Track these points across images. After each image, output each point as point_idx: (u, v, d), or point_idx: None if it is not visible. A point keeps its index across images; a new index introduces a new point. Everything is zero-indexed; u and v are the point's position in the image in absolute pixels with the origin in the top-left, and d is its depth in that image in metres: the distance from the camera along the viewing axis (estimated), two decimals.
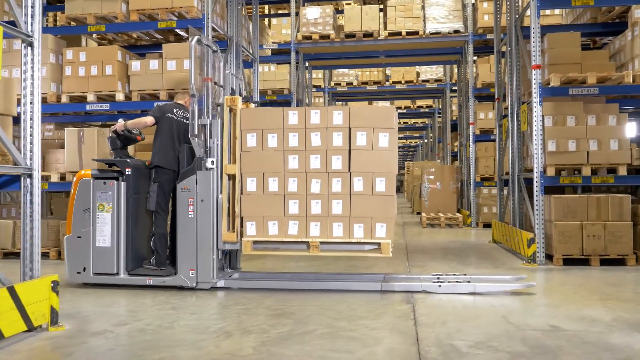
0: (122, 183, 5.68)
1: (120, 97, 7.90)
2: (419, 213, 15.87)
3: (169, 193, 5.83)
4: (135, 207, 5.73)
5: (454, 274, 5.75)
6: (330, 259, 7.39)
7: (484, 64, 13.12)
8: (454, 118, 16.81)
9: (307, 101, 14.35)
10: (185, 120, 5.92)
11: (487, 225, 11.81)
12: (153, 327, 4.22)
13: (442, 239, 10.21)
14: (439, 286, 5.34)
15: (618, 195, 7.07)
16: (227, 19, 9.01)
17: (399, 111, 21.30)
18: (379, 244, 5.19)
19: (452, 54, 13.85)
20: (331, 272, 6.58)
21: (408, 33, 12.18)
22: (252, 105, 5.82)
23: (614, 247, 6.87)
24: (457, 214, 12.83)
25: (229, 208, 5.51)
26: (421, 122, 25.38)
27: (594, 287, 5.63)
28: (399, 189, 36.11)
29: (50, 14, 11.38)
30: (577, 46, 7.73)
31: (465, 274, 5.74)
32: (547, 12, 11.57)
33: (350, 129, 5.29)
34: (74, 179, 5.78)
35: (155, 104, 7.47)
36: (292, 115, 5.39)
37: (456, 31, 12.12)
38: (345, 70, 17.09)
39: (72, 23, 8.34)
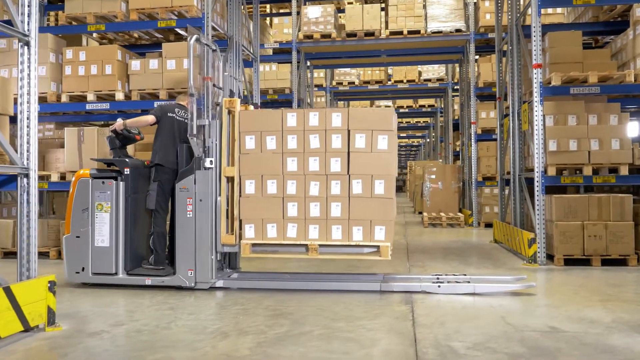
0: (121, 183, 5.66)
1: (120, 96, 7.90)
2: (420, 213, 15.83)
3: (168, 192, 5.81)
4: (134, 207, 5.72)
5: (454, 275, 5.72)
6: (330, 259, 7.36)
7: (485, 63, 13.08)
8: (456, 117, 16.77)
9: (308, 101, 14.34)
10: (186, 121, 5.91)
11: (489, 225, 11.77)
12: (150, 328, 4.21)
13: (443, 239, 10.18)
14: (439, 286, 5.32)
15: (619, 195, 7.02)
16: (227, 18, 9.00)
17: (401, 110, 21.27)
18: (378, 246, 5.17)
19: (453, 53, 13.80)
20: (331, 272, 6.57)
21: (409, 32, 12.15)
22: (251, 107, 5.81)
23: (616, 247, 6.83)
24: (459, 214, 12.79)
25: (227, 210, 5.49)
26: (423, 122, 25.33)
27: (594, 288, 5.60)
28: (401, 189, 36.07)
29: (52, 13, 11.41)
30: (578, 45, 7.69)
31: (465, 275, 5.72)
32: (549, 10, 11.52)
33: (349, 131, 5.27)
34: (73, 179, 5.77)
35: (156, 103, 7.48)
36: (291, 118, 5.37)
37: (458, 30, 12.08)
38: (347, 70, 17.06)
39: (73, 22, 8.34)
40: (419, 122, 25.44)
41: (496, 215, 11.29)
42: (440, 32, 12.07)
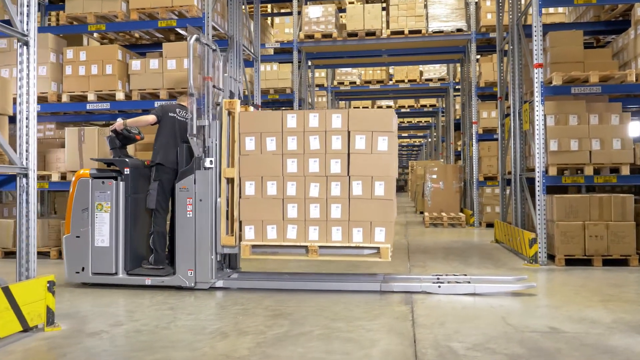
0: (121, 183, 5.66)
1: (120, 96, 7.90)
2: (422, 212, 15.81)
3: (169, 192, 5.81)
4: (134, 207, 5.72)
5: (454, 275, 5.71)
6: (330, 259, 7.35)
7: (487, 62, 13.06)
8: (458, 117, 16.74)
9: (309, 100, 14.33)
10: (187, 121, 5.89)
11: (490, 225, 11.75)
12: (150, 328, 4.20)
13: (444, 239, 10.17)
14: (439, 287, 5.30)
15: (621, 195, 7.00)
16: (228, 17, 8.99)
17: (403, 110, 21.25)
18: (378, 248, 5.16)
19: (455, 52, 13.78)
20: (331, 272, 6.56)
21: (411, 32, 12.13)
22: (251, 108, 5.80)
23: (617, 247, 6.81)
24: (460, 214, 12.77)
25: (227, 212, 5.49)
26: (425, 121, 25.31)
27: (595, 288, 5.58)
28: (402, 189, 36.08)
29: (53, 13, 11.42)
30: (579, 45, 7.68)
31: (465, 275, 5.70)
32: (551, 10, 11.51)
33: (349, 132, 5.26)
34: (73, 179, 5.77)
35: (156, 103, 7.49)
36: (291, 119, 5.36)
37: (459, 30, 12.06)
38: (348, 70, 17.05)
39: (74, 22, 8.34)
40: (421, 121, 25.41)
41: (497, 215, 11.27)
42: (442, 31, 12.05)
